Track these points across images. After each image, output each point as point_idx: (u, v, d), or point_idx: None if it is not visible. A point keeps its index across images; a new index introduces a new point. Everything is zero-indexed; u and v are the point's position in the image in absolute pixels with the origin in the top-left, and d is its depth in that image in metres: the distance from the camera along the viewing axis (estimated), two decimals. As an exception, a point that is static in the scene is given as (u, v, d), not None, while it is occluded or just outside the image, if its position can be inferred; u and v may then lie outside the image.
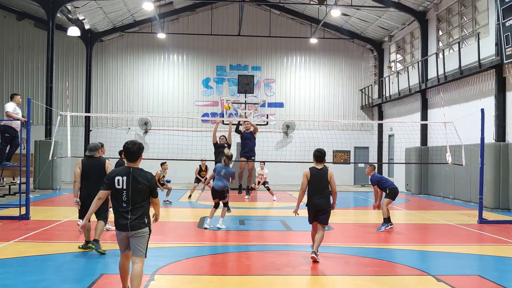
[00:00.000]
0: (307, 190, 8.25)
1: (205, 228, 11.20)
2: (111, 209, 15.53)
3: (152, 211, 5.72)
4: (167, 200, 16.26)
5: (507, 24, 15.56)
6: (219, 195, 11.58)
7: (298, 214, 8.37)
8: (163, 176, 16.38)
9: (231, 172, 11.53)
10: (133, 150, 5.51)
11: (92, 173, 8.48)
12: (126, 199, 5.44)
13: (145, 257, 5.56)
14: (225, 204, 11.74)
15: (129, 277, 5.60)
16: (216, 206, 11.70)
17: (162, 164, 16.35)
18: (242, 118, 23.86)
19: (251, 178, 16.63)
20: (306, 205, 8.27)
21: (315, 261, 7.88)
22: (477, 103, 18.68)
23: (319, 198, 8.11)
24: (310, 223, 8.33)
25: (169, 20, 29.64)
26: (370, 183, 12.05)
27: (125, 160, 5.57)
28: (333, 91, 30.89)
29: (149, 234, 5.57)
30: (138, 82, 30.02)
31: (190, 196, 19.20)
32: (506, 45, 15.66)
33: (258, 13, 30.28)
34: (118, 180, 5.47)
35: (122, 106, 29.81)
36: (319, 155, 8.35)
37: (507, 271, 7.88)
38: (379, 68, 30.25)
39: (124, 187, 5.45)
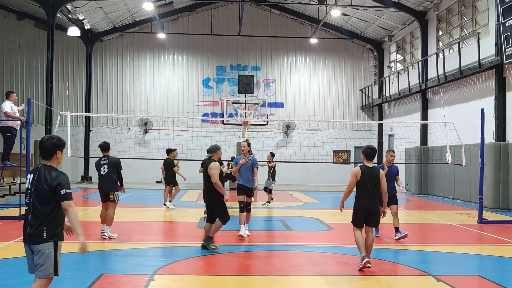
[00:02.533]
0: (355, 190, 7.51)
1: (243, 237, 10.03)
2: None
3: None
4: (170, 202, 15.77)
5: (507, 24, 15.56)
6: (245, 193, 10.35)
7: (342, 211, 7.73)
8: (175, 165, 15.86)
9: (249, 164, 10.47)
10: (45, 146, 4.61)
11: (204, 174, 8.78)
12: (29, 201, 4.52)
13: (56, 275, 4.54)
14: (247, 206, 10.39)
15: None
16: (243, 208, 10.32)
17: (169, 152, 15.53)
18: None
19: None
20: (355, 207, 7.53)
21: (366, 267, 7.30)
22: (477, 103, 18.67)
23: (370, 200, 7.38)
24: (357, 227, 7.50)
25: (169, 20, 29.64)
26: (393, 172, 10.59)
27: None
28: (333, 91, 30.90)
29: (56, 250, 4.53)
30: (138, 82, 30.02)
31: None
32: (506, 45, 15.65)
33: (258, 13, 30.28)
34: (27, 178, 4.63)
35: (122, 106, 29.81)
36: (371, 152, 7.52)
37: (507, 271, 7.88)
38: (379, 68, 30.24)
39: (29, 187, 4.55)
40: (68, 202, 4.44)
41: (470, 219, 13.71)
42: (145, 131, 29.33)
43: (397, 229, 10.07)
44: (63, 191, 4.44)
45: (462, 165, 14.69)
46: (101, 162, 10.02)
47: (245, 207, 10.32)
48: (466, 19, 20.48)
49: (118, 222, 11.65)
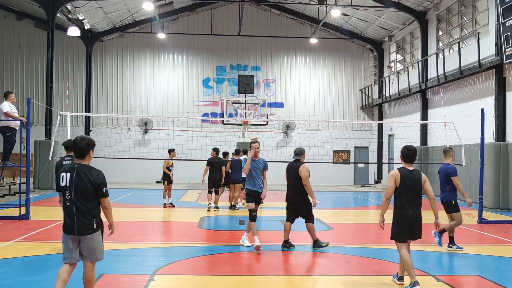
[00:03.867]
0: (394, 198, 6.52)
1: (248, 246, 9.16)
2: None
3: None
4: (171, 203, 15.97)
5: (507, 24, 15.56)
6: (255, 200, 9.33)
7: (384, 228, 6.51)
8: (172, 164, 15.99)
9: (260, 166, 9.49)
10: (80, 146, 5.17)
11: (290, 176, 9.10)
12: (69, 197, 5.09)
13: (102, 259, 5.32)
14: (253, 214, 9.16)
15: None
16: (255, 217, 9.25)
17: (170, 152, 15.87)
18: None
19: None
20: (395, 219, 6.58)
21: None
22: (477, 103, 18.67)
23: (412, 210, 6.48)
24: (401, 241, 6.56)
25: (169, 20, 29.64)
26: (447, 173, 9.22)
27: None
28: (333, 91, 30.89)
29: (102, 237, 5.30)
30: (138, 82, 30.02)
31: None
32: (506, 45, 15.65)
33: (258, 13, 30.28)
34: (63, 177, 5.12)
35: (122, 106, 29.81)
36: (409, 153, 6.48)
37: (507, 271, 7.88)
38: (379, 68, 30.24)
39: (68, 185, 5.09)
40: (107, 199, 5.18)
41: (470, 219, 13.70)
42: (145, 131, 29.33)
43: (452, 239, 9.26)
44: (104, 189, 5.12)
45: (462, 165, 14.68)
46: (64, 163, 8.62)
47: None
48: (466, 19, 20.47)
49: (118, 222, 11.64)
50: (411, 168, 6.50)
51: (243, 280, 6.93)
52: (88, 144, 5.19)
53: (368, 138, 29.64)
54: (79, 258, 5.18)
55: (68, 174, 5.08)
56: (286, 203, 9.26)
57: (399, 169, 6.51)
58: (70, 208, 5.07)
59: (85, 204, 5.06)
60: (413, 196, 6.47)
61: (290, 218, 9.14)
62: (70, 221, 5.07)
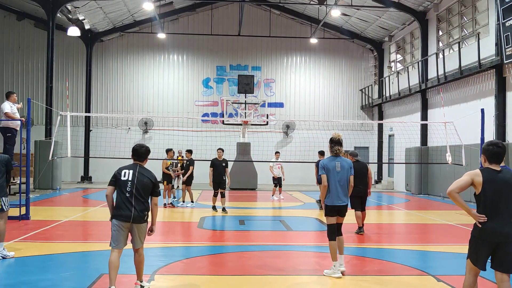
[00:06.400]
0: (477, 208, 5.02)
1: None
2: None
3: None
4: (171, 203, 15.94)
5: (507, 24, 15.56)
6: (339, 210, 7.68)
7: (485, 219, 5.00)
8: (171, 164, 16.01)
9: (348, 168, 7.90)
10: (140, 152, 6.17)
11: (363, 174, 10.69)
12: (129, 189, 5.88)
13: (142, 244, 6.17)
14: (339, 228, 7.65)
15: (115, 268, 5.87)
16: (337, 230, 7.61)
17: (167, 152, 15.88)
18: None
19: None
20: (474, 234, 5.07)
21: None
22: (477, 103, 18.67)
23: (503, 225, 4.75)
24: (474, 264, 4.88)
25: (169, 20, 29.64)
26: None
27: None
28: (333, 91, 30.89)
29: (147, 228, 6.10)
30: (138, 82, 30.02)
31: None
32: (506, 45, 15.65)
33: (258, 13, 30.28)
34: (125, 172, 5.96)
35: (122, 106, 29.81)
36: (499, 150, 4.88)
37: (507, 271, 7.86)
38: (379, 68, 30.24)
39: (129, 179, 5.90)
40: (158, 198, 6.08)
41: (470, 219, 13.63)
42: (145, 131, 29.33)
43: None
44: (159, 189, 6.11)
45: (462, 165, 14.69)
46: None
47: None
48: (466, 19, 20.47)
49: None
50: (498, 169, 4.88)
51: (243, 280, 6.93)
52: (147, 150, 6.20)
53: (368, 138, 29.63)
54: (126, 243, 5.94)
55: (131, 171, 5.95)
56: (354, 196, 10.29)
57: (481, 170, 4.95)
58: (129, 199, 5.84)
59: (143, 197, 5.90)
60: (504, 205, 4.76)
61: (359, 207, 10.82)
62: (127, 210, 5.83)
